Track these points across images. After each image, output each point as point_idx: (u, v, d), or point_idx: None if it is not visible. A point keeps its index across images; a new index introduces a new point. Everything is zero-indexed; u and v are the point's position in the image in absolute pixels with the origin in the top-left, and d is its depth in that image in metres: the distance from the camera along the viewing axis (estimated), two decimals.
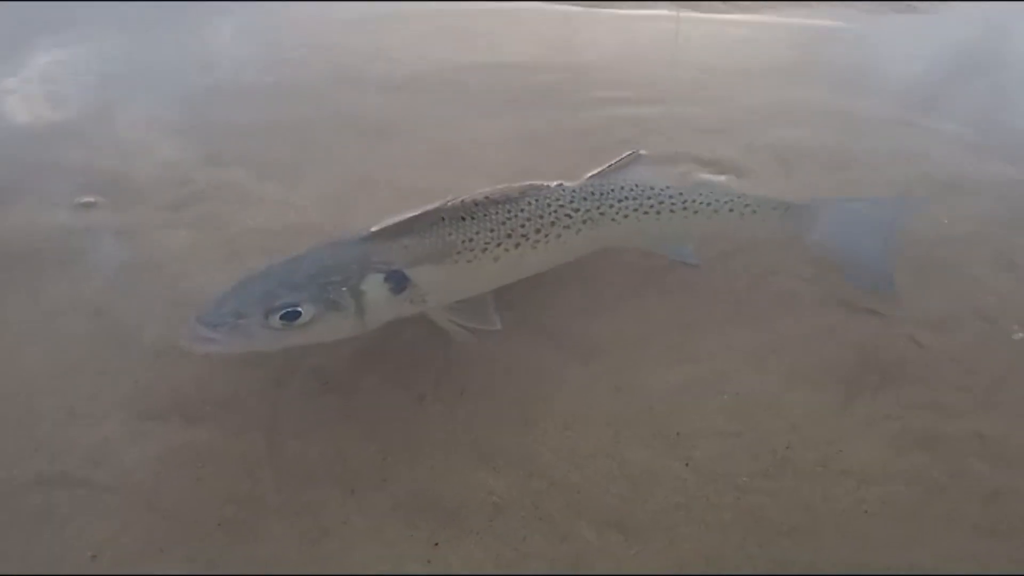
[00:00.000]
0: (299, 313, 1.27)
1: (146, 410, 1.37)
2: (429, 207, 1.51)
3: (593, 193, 1.63)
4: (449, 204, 1.52)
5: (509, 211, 1.53)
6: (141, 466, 1.28)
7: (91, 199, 1.98)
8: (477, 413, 1.40)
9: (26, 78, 2.79)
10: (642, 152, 1.87)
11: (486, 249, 1.49)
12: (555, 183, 1.64)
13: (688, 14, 3.77)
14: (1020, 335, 1.62)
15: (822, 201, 1.75)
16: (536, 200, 1.57)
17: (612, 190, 1.65)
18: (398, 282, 1.37)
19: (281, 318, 1.26)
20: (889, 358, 1.55)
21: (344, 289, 1.32)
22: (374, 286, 1.35)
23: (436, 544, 1.19)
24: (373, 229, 1.45)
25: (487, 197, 1.54)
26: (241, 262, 1.71)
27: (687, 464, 1.32)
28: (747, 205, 1.70)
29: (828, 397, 1.46)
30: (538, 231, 1.54)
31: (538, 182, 1.64)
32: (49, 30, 3.25)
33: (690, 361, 1.53)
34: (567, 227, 1.57)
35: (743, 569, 1.17)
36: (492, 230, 1.50)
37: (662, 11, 3.75)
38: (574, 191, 1.62)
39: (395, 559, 1.17)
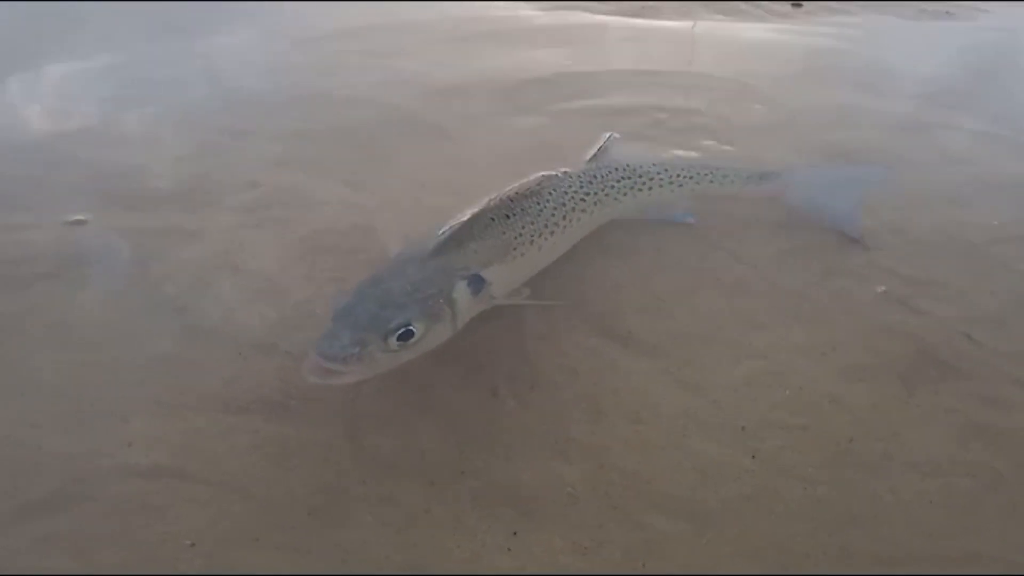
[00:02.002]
0: (412, 331, 1.32)
1: (233, 404, 1.42)
2: (474, 210, 1.61)
3: (596, 177, 1.85)
4: (491, 205, 1.63)
5: (538, 203, 1.69)
6: (231, 458, 1.33)
7: (165, 202, 2.06)
8: (548, 407, 1.44)
9: (97, 86, 2.88)
10: (616, 135, 2.18)
11: (532, 241, 1.63)
12: (561, 171, 1.84)
13: (731, 24, 3.83)
14: None
15: (793, 168, 2.06)
16: (554, 191, 1.74)
17: (610, 172, 1.88)
18: (477, 284, 1.43)
19: (398, 339, 1.30)
20: (946, 354, 1.58)
21: (441, 300, 1.38)
22: (461, 292, 1.42)
23: (515, 533, 1.23)
24: (438, 239, 1.51)
25: (517, 193, 1.69)
26: (313, 260, 1.79)
27: (753, 456, 1.36)
28: (725, 175, 1.98)
29: (889, 391, 1.50)
30: (564, 217, 1.72)
31: (547, 172, 1.82)
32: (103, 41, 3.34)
33: (752, 357, 1.57)
34: (583, 210, 1.77)
35: (814, 558, 1.21)
36: (532, 223, 1.64)
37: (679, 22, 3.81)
38: (580, 178, 1.82)
39: (476, 547, 1.21)
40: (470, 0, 4.02)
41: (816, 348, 1.59)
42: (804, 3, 4.30)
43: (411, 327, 1.31)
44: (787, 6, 4.26)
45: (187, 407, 1.42)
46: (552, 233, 1.68)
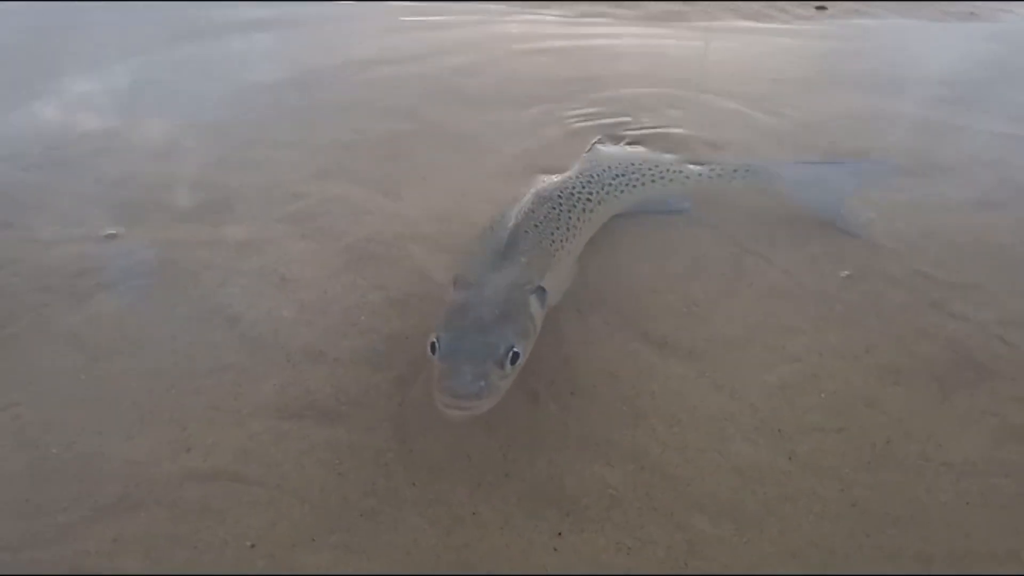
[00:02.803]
0: (519, 353, 1.36)
1: (286, 410, 1.48)
2: (507, 225, 1.66)
3: (593, 177, 1.94)
4: (520, 219, 1.68)
5: (555, 208, 1.76)
6: (286, 461, 1.38)
7: (209, 213, 2.12)
8: (589, 410, 1.48)
9: (125, 96, 2.98)
10: (598, 141, 2.40)
11: (562, 245, 1.70)
12: (557, 176, 1.96)
13: (751, 26, 3.85)
14: None
15: (779, 164, 2.18)
16: (563, 195, 1.82)
17: (605, 172, 2.00)
18: (542, 296, 1.49)
19: (511, 363, 1.34)
20: (982, 357, 1.61)
21: (525, 318, 1.43)
22: (535, 306, 1.47)
23: (559, 533, 1.28)
24: (492, 256, 1.57)
25: (533, 203, 1.75)
26: (359, 270, 1.85)
27: (791, 458, 1.39)
28: (712, 170, 2.09)
29: (924, 393, 1.52)
30: (579, 219, 1.79)
31: (543, 176, 1.98)
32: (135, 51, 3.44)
33: (787, 361, 1.60)
34: (591, 211, 1.86)
35: (854, 558, 1.24)
36: (557, 229, 1.71)
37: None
38: (580, 180, 1.92)
39: (523, 547, 1.26)
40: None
41: (850, 351, 1.62)
42: (828, 5, 4.31)
43: (516, 350, 1.35)
44: (811, 8, 4.28)
45: (242, 413, 1.47)
46: (574, 236, 1.76)
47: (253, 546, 1.25)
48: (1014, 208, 2.11)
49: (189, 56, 3.41)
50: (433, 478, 1.36)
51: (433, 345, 1.36)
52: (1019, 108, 2.85)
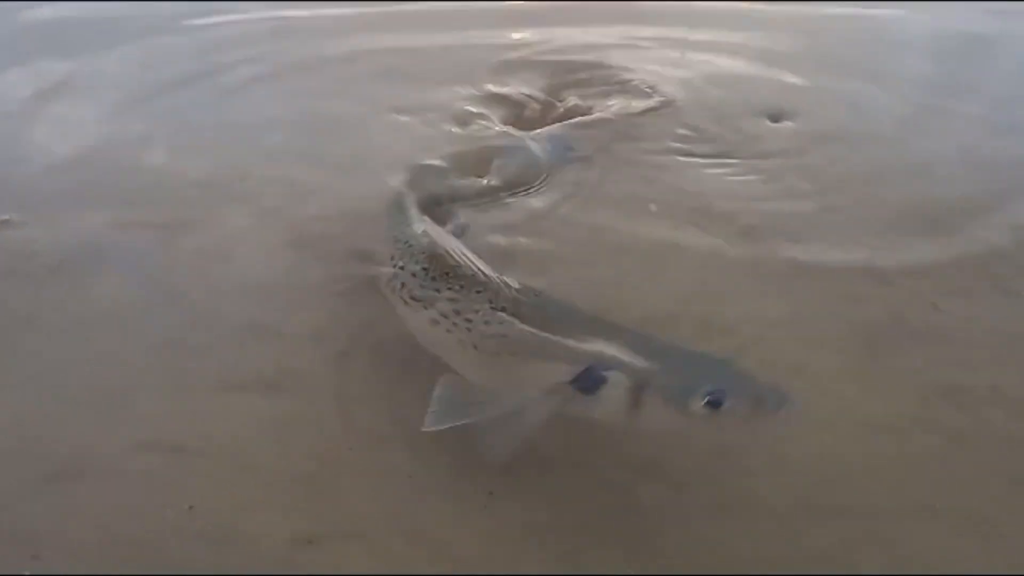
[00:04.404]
0: None
1: (229, 382, 1.53)
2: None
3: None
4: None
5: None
6: (229, 431, 1.43)
7: (156, 195, 2.18)
8: None
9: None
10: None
11: None
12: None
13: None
14: None
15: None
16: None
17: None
18: None
19: None
20: (914, 323, 1.67)
21: None
22: None
23: (490, 493, 1.32)
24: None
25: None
26: (301, 247, 1.91)
27: None
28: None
29: (852, 358, 1.58)
30: None
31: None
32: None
33: (720, 334, 1.65)
34: None
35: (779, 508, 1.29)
36: None
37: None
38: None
39: (456, 507, 1.30)
40: None
41: (782, 320, 1.67)
42: None
43: None
44: None
45: (186, 387, 1.52)
46: None
47: (192, 508, 1.29)
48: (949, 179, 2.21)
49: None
50: (371, 444, 1.41)
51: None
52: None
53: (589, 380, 1.22)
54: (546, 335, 1.30)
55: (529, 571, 1.21)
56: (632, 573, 1.20)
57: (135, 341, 1.64)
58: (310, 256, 1.87)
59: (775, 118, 2.63)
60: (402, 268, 1.54)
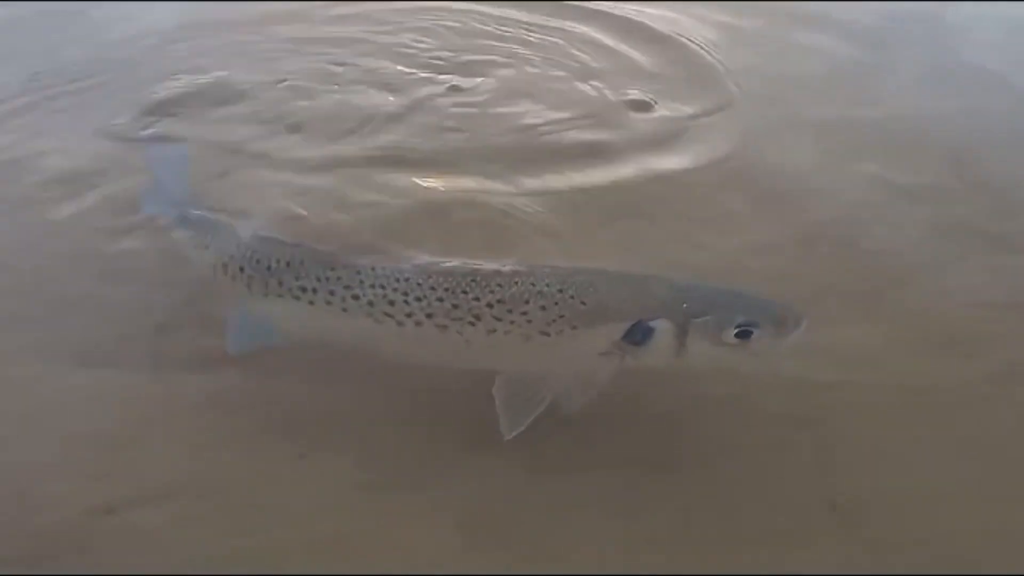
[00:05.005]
0: None
1: (44, 352, 1.54)
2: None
3: None
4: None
5: None
6: (43, 402, 1.46)
7: None
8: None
9: None
10: None
11: None
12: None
13: None
14: None
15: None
16: None
17: None
18: None
19: None
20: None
21: None
22: None
23: (301, 456, 1.37)
24: None
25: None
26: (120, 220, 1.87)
27: None
28: None
29: None
30: None
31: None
32: None
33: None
34: None
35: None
36: None
37: None
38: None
39: (267, 467, 1.35)
40: None
41: None
42: None
43: None
44: None
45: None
46: None
47: None
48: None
49: None
50: (186, 411, 1.44)
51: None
52: None
53: (639, 333, 1.29)
54: (593, 301, 1.33)
55: (338, 529, 1.26)
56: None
57: None
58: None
59: None
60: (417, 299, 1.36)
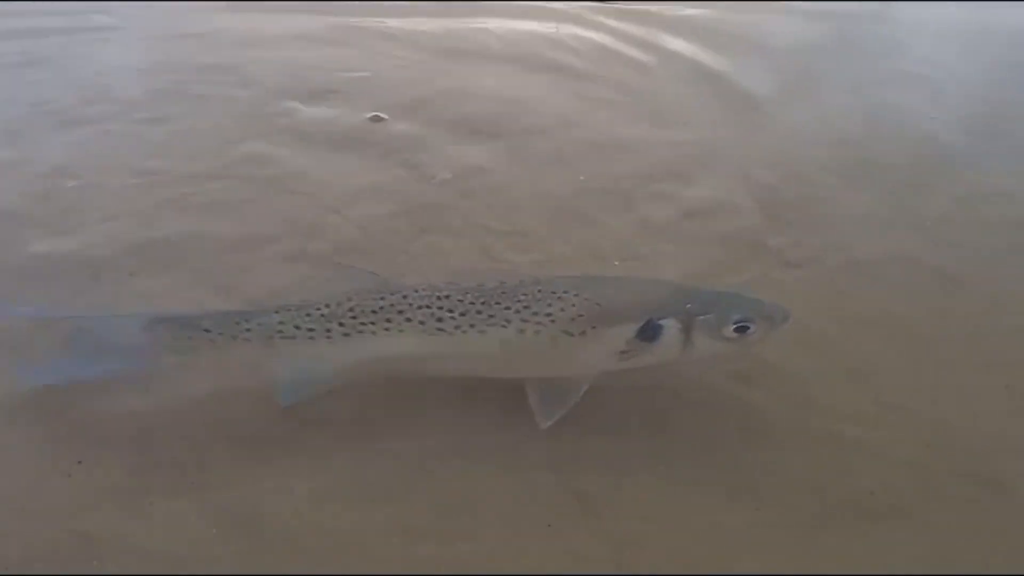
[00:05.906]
0: None
1: None
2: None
3: None
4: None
5: None
6: None
7: None
8: None
9: None
10: None
11: None
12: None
13: None
14: None
15: None
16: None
17: None
18: None
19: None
20: None
21: None
22: None
23: (79, 462, 1.40)
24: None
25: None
26: None
27: None
28: None
29: None
30: None
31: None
32: None
33: None
34: None
35: None
36: None
37: None
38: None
39: (40, 475, 1.38)
40: None
41: None
42: None
43: None
44: None
45: None
46: None
47: None
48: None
49: None
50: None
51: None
52: None
53: (651, 331, 1.42)
54: (607, 303, 1.46)
55: (104, 532, 1.29)
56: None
57: None
58: None
59: None
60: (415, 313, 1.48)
